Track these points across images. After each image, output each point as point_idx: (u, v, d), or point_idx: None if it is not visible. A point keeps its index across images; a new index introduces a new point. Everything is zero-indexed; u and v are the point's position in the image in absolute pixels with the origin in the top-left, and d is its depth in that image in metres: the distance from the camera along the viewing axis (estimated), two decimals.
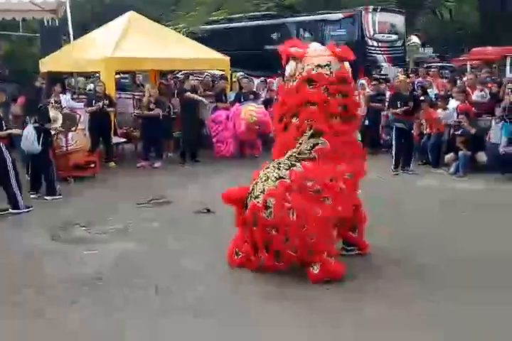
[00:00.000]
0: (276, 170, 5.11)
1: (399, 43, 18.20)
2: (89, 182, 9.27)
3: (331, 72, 5.12)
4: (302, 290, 4.91)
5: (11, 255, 5.93)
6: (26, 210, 7.51)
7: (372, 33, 17.81)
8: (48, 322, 4.45)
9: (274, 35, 18.96)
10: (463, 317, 4.39)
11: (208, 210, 7.43)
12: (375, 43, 17.87)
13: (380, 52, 17.94)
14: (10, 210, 7.48)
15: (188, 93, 10.78)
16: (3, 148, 7.36)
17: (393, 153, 10.01)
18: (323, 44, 5.63)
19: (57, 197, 8.12)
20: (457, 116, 10.16)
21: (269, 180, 5.07)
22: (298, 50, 5.22)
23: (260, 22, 20.14)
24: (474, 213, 7.30)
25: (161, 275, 5.29)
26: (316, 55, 5.21)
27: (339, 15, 18.05)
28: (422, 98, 10.79)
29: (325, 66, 5.13)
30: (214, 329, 4.30)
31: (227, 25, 20.84)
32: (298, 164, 5.10)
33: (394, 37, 18.40)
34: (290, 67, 5.25)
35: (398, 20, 18.69)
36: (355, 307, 4.59)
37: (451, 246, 6.01)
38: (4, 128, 7.49)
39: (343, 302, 4.69)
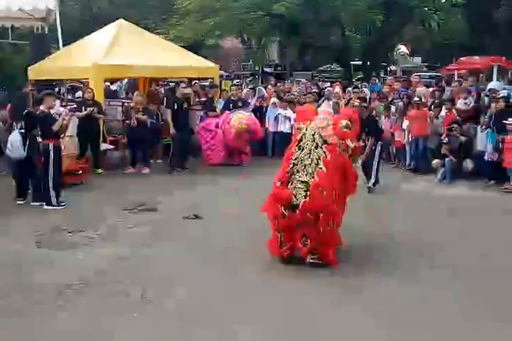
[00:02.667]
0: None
1: None
2: (77, 188, 9.24)
3: None
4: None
5: None
6: (60, 207, 7.89)
7: None
8: (31, 326, 4.43)
9: None
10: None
11: (196, 216, 7.43)
12: None
13: None
14: (44, 206, 7.89)
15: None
16: (51, 148, 7.89)
17: None
18: None
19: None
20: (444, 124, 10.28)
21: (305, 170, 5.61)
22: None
23: None
24: (453, 217, 7.51)
25: (147, 281, 5.28)
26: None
27: None
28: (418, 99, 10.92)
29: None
30: (199, 332, 4.30)
31: None
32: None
33: None
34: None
35: None
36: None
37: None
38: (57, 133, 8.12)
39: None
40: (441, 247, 6.25)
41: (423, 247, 6.26)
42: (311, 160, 5.62)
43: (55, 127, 8.05)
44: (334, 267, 5.55)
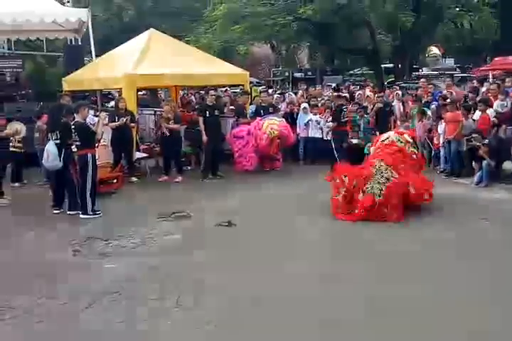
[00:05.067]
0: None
1: None
2: (112, 197, 9.35)
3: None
4: None
5: (32, 268, 5.99)
6: (95, 216, 8.01)
7: None
8: (66, 333, 4.49)
9: None
10: None
11: (229, 223, 7.43)
12: None
13: None
14: (80, 215, 8.01)
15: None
16: (89, 158, 8.02)
17: None
18: None
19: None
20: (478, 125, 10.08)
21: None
22: None
23: None
24: (495, 222, 7.33)
25: (181, 289, 5.28)
26: None
27: None
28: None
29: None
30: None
31: None
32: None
33: None
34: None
35: None
36: None
37: None
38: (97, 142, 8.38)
39: None
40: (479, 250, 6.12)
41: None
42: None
43: (99, 134, 8.24)
44: None
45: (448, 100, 10.86)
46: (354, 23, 21.93)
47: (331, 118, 11.62)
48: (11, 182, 10.28)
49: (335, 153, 11.04)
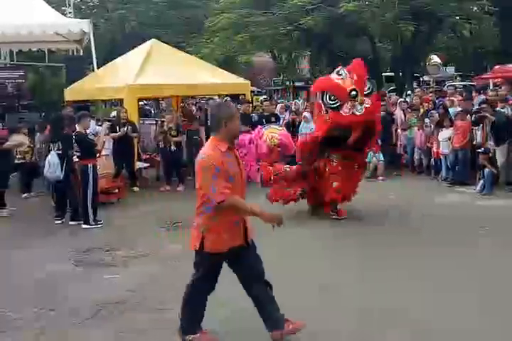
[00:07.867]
0: None
1: None
2: (113, 206, 9.35)
3: None
4: None
5: (33, 279, 5.96)
6: (97, 226, 8.01)
7: None
8: None
9: None
10: None
11: None
12: None
13: None
14: (82, 225, 8.01)
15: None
16: (90, 168, 8.01)
17: None
18: None
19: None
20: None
21: None
22: None
23: None
24: (495, 229, 7.31)
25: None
26: None
27: None
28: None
29: None
30: None
31: None
32: None
33: None
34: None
35: None
36: None
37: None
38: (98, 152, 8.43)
39: None
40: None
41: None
42: None
43: (101, 144, 8.24)
44: None
45: (459, 108, 10.87)
46: (354, 32, 22.00)
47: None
48: (21, 192, 10.32)
49: None
